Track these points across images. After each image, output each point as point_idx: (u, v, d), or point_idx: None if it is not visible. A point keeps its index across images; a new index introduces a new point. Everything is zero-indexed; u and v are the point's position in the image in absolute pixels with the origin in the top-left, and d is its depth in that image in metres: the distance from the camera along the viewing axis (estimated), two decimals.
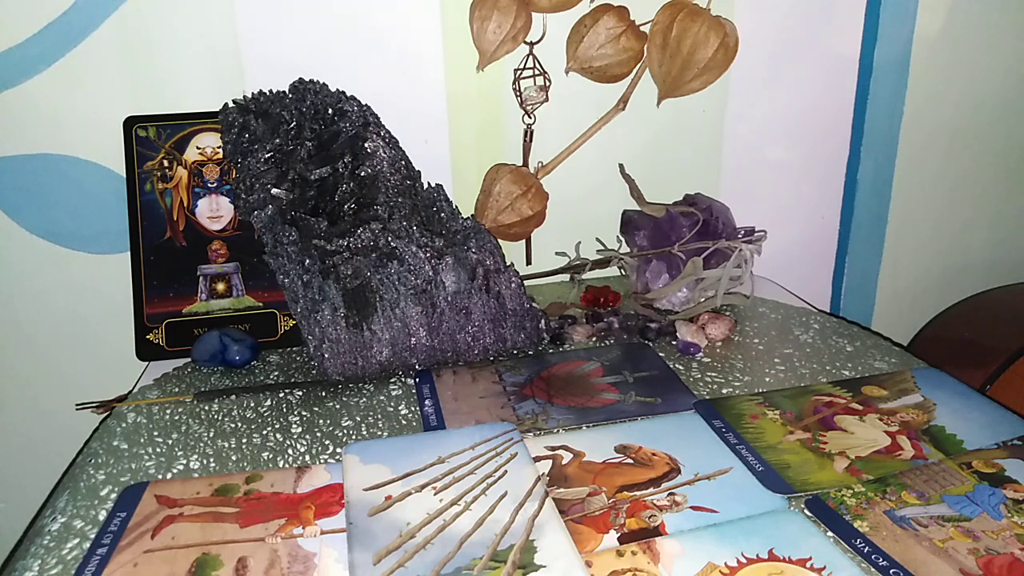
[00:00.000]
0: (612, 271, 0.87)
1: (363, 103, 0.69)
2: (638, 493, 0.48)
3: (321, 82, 0.70)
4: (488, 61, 0.76)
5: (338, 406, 0.61)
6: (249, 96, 0.69)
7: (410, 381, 0.65)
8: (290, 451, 0.55)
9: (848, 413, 0.58)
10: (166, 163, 0.73)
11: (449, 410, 0.59)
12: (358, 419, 0.59)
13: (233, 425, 0.59)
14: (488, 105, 0.83)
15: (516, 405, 0.60)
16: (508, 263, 0.67)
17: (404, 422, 0.59)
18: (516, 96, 0.80)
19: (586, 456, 0.52)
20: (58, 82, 0.73)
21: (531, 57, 0.79)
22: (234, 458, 0.54)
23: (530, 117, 0.82)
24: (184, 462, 0.54)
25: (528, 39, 0.78)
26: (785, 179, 0.94)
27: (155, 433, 0.58)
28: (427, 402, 0.61)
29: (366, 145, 0.67)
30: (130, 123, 0.72)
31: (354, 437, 0.56)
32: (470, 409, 0.59)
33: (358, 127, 0.68)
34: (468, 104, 0.82)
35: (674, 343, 0.71)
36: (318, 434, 0.57)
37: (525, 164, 0.83)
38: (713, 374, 0.65)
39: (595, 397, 0.61)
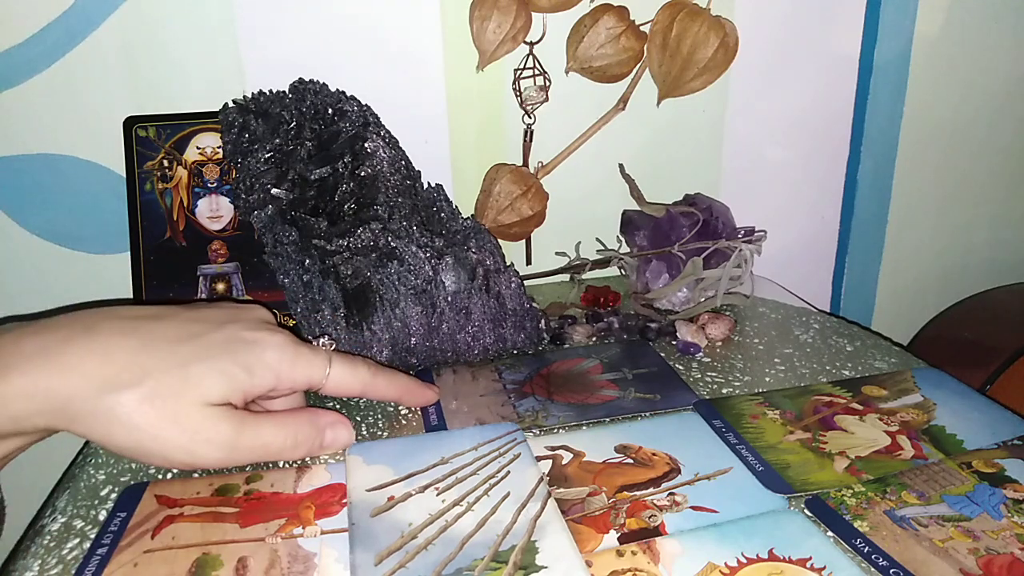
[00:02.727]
0: (612, 271, 0.87)
1: (363, 103, 0.69)
2: (638, 493, 0.48)
3: (321, 82, 0.70)
4: (488, 61, 0.76)
5: (338, 406, 0.61)
6: (249, 96, 0.69)
7: None
8: None
9: (848, 413, 0.58)
10: (166, 163, 0.72)
11: (450, 409, 0.59)
12: (358, 419, 0.59)
13: None
14: (488, 105, 0.83)
15: (516, 403, 0.60)
16: (508, 263, 0.67)
17: (404, 422, 0.59)
18: (516, 96, 0.80)
19: (586, 456, 0.52)
20: (58, 82, 0.73)
21: (531, 57, 0.79)
22: None
23: (530, 117, 0.82)
24: None
25: (528, 39, 0.78)
26: (785, 179, 0.94)
27: None
28: None
29: (366, 145, 0.67)
30: (130, 123, 0.72)
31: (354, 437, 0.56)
32: (470, 408, 0.59)
33: (358, 127, 0.68)
34: (468, 104, 0.82)
35: (674, 343, 0.71)
36: None
37: (525, 164, 0.83)
38: (713, 374, 0.65)
39: (595, 394, 0.61)
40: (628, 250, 0.82)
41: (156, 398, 0.44)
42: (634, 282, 0.80)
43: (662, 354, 0.69)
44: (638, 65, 0.80)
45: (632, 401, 0.60)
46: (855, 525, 0.46)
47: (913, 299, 1.05)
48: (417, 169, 0.70)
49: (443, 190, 0.69)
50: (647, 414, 0.58)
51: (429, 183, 0.70)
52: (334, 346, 0.55)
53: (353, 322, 0.63)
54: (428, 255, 0.64)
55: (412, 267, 0.63)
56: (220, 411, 0.46)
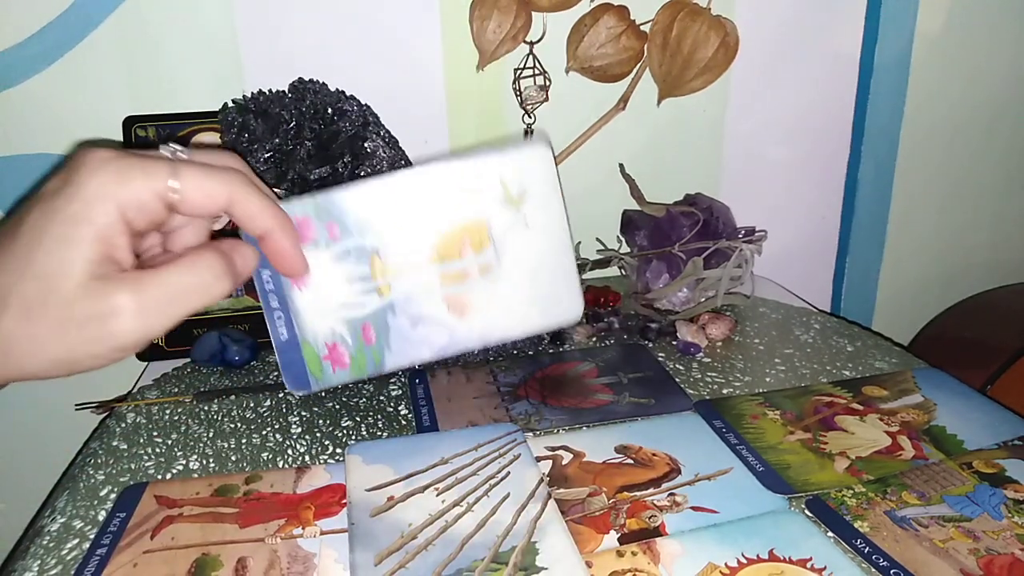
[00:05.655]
0: (612, 271, 0.87)
1: (363, 103, 0.69)
2: (638, 493, 0.48)
3: (321, 82, 0.70)
4: (488, 61, 0.76)
5: (338, 406, 0.61)
6: (249, 96, 0.69)
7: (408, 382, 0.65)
8: (290, 451, 0.55)
9: (848, 413, 0.58)
10: None
11: (443, 411, 0.59)
12: (358, 419, 0.59)
13: (233, 425, 0.59)
14: (488, 105, 0.83)
15: (510, 406, 0.60)
16: None
17: (404, 422, 0.58)
18: (516, 96, 0.80)
19: (586, 456, 0.52)
20: (58, 82, 0.73)
21: (531, 57, 0.79)
22: (234, 458, 0.54)
23: (530, 117, 0.81)
24: (184, 462, 0.54)
25: (528, 39, 0.77)
26: (785, 179, 0.94)
27: (155, 433, 0.58)
28: (421, 402, 0.61)
29: (366, 145, 0.67)
30: (130, 123, 0.72)
31: (354, 437, 0.56)
32: (464, 410, 0.59)
33: (358, 127, 0.68)
34: (468, 104, 0.82)
35: (674, 343, 0.70)
36: (318, 434, 0.57)
37: None
38: (713, 374, 0.65)
39: (589, 398, 0.61)
40: (628, 250, 0.82)
41: (30, 310, 0.39)
42: (634, 282, 0.80)
43: (661, 355, 0.68)
44: (638, 65, 0.80)
45: (626, 405, 0.59)
46: (855, 525, 0.46)
47: (913, 299, 1.05)
48: None
49: None
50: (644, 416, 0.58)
51: None
52: (183, 155, 0.43)
53: None
54: None
55: None
56: (105, 281, 0.39)
